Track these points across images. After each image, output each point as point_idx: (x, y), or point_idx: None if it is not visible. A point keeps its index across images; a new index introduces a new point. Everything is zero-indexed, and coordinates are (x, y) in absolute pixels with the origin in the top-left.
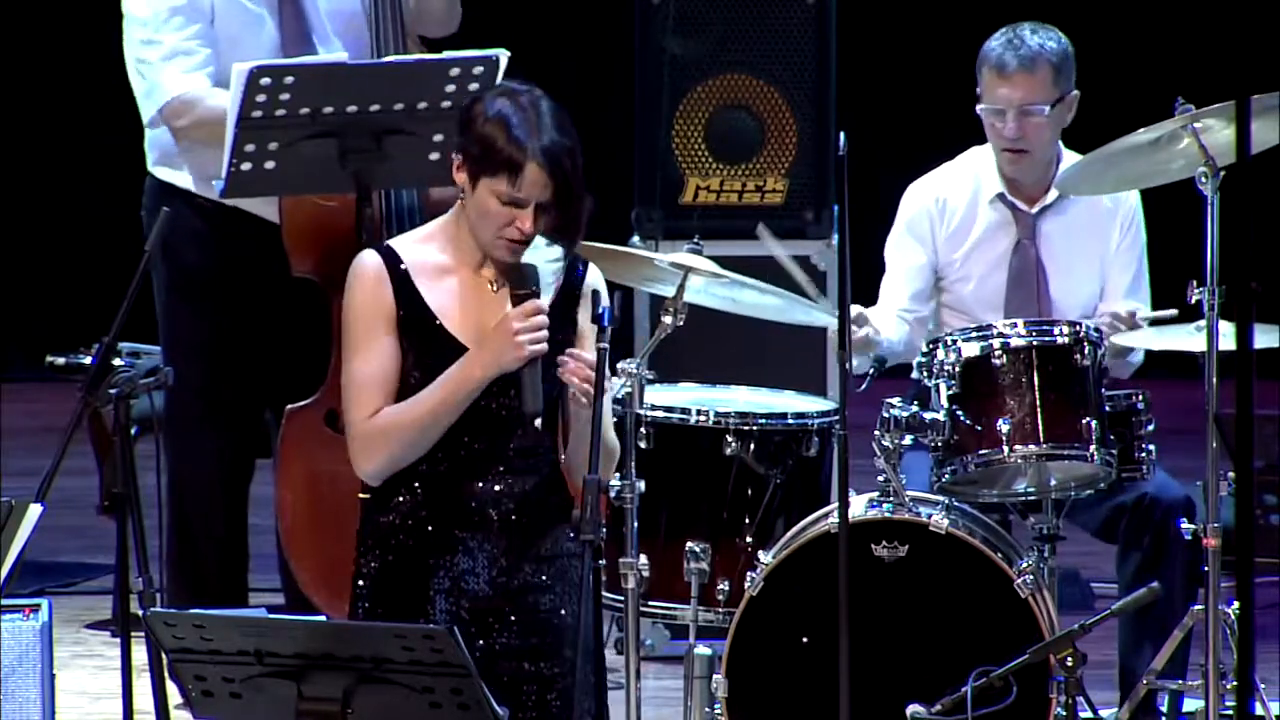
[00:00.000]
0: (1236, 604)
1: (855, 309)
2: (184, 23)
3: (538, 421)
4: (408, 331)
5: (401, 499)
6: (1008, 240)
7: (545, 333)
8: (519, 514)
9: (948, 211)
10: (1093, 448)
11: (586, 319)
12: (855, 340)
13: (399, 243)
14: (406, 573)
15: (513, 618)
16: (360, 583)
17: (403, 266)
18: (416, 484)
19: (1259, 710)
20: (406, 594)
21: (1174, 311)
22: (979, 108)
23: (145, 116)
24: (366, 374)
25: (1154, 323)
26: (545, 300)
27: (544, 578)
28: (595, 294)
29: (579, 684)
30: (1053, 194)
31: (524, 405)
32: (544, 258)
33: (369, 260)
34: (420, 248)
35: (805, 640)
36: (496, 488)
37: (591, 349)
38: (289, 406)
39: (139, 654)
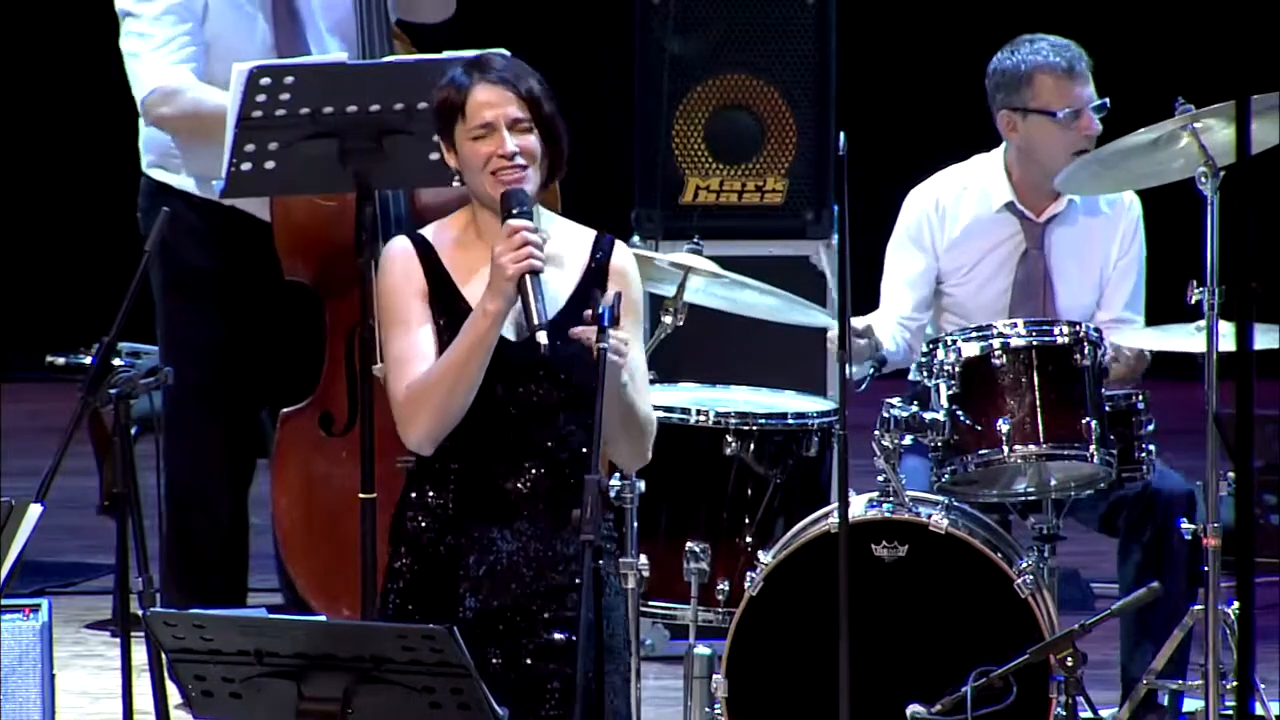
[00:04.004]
0: (1236, 604)
1: (860, 322)
2: (176, 20)
3: (542, 336)
4: (436, 304)
5: (431, 498)
6: (1014, 248)
7: (531, 248)
8: (549, 513)
9: (949, 218)
10: (1093, 448)
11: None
12: (856, 350)
13: (425, 229)
14: (436, 573)
15: (542, 616)
16: (392, 584)
17: (430, 245)
18: (447, 482)
19: (1259, 710)
20: (437, 594)
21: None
22: (1059, 116)
23: (140, 110)
24: (403, 347)
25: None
26: (570, 281)
27: (574, 579)
28: (617, 295)
29: (610, 685)
30: (1060, 203)
31: (527, 323)
32: (570, 240)
33: (398, 242)
34: (444, 231)
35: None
36: (525, 485)
37: (635, 334)
38: (283, 410)
39: (139, 654)
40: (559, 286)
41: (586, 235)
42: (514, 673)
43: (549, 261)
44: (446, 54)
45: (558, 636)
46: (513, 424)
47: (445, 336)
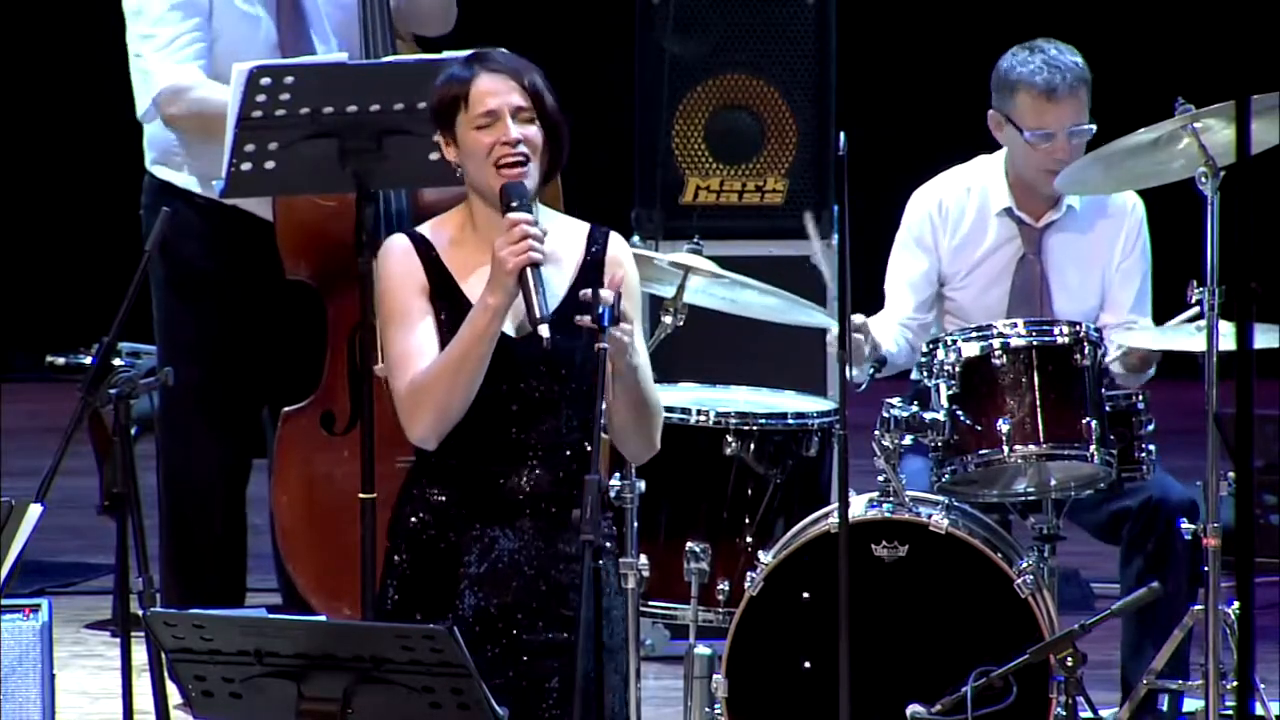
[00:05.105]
0: (1236, 604)
1: (858, 318)
2: (181, 17)
3: (544, 330)
4: (438, 300)
5: (432, 495)
6: (1012, 253)
7: (531, 241)
8: (549, 510)
9: (951, 219)
10: (1093, 448)
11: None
12: (854, 349)
13: (422, 227)
14: (435, 569)
15: (542, 614)
16: (390, 580)
17: (428, 242)
18: (448, 479)
19: (1259, 710)
20: (435, 590)
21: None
22: (1026, 136)
23: (139, 109)
24: (406, 344)
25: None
26: (567, 276)
27: (575, 578)
28: (617, 294)
29: (609, 685)
30: (1059, 208)
31: (529, 317)
32: (564, 235)
33: (396, 240)
34: (441, 229)
35: (805, 661)
36: (527, 482)
37: (635, 324)
38: (285, 409)
39: (139, 654)
40: (557, 282)
41: (580, 229)
42: (513, 670)
43: (546, 257)
44: (446, 54)
45: (557, 635)
46: (514, 420)
47: (448, 332)
